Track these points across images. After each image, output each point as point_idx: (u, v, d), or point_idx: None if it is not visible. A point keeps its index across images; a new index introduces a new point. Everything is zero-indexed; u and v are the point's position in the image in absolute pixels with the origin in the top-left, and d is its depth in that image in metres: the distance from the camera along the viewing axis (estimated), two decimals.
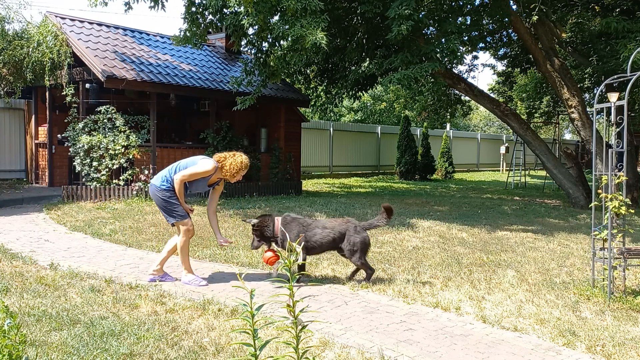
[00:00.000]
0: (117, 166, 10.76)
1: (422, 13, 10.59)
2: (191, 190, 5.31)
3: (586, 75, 16.93)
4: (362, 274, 5.46)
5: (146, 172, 11.15)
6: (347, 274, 5.66)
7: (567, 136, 46.03)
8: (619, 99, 5.10)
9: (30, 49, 10.97)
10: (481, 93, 13.38)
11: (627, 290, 5.02)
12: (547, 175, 15.14)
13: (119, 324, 3.95)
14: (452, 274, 5.75)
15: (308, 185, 16.86)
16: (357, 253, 5.26)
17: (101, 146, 10.64)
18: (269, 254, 5.12)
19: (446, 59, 11.68)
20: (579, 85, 14.36)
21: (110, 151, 10.62)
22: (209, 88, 12.33)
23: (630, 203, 4.95)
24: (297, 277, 5.48)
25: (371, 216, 9.71)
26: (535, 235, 8.29)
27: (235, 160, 5.29)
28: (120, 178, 10.87)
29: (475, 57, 21.33)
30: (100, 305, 4.43)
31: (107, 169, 10.65)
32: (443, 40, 10.86)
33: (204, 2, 10.50)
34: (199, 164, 5.18)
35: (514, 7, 12.43)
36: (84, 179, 10.83)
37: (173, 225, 5.26)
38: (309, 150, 19.67)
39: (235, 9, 9.49)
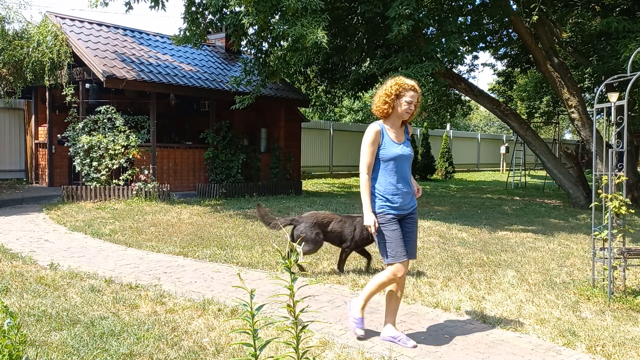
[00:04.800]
0: (117, 166, 10.76)
1: (422, 13, 10.59)
2: (401, 172, 3.79)
3: (586, 75, 16.93)
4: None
5: (146, 172, 11.16)
6: (347, 274, 5.66)
7: (567, 136, 46.03)
8: (619, 99, 5.10)
9: (30, 49, 10.96)
10: (481, 93, 13.37)
11: (627, 290, 5.02)
12: (547, 175, 15.14)
13: (119, 324, 3.95)
14: (452, 274, 5.74)
15: (308, 185, 16.85)
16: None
17: (101, 146, 10.64)
18: None
19: (446, 59, 11.68)
20: (579, 85, 14.36)
21: (110, 151, 10.63)
22: (209, 88, 12.33)
23: (630, 203, 4.95)
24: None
25: None
26: (536, 235, 8.29)
27: (385, 86, 3.84)
28: (120, 178, 10.87)
29: (476, 57, 21.35)
30: (100, 305, 4.43)
31: (107, 169, 10.65)
32: (443, 40, 10.86)
33: (204, 1, 10.50)
34: (364, 137, 3.81)
35: (514, 7, 12.43)
36: (83, 179, 10.83)
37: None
38: (309, 150, 19.67)
39: (235, 8, 9.49)
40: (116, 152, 10.64)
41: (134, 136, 10.89)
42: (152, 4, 10.71)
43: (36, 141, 13.39)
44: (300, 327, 2.27)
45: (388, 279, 3.80)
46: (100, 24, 12.72)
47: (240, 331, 2.32)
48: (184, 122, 14.90)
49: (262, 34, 10.64)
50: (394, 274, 3.76)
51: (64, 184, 11.81)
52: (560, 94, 12.56)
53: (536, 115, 25.10)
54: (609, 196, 4.88)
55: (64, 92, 11.15)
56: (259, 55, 11.77)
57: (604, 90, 10.93)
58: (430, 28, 12.23)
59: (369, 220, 3.70)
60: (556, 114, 24.26)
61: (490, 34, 15.32)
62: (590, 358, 3.66)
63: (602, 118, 23.59)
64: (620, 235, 4.95)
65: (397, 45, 11.66)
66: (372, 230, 3.69)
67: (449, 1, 12.13)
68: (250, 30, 11.04)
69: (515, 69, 18.25)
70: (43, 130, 13.20)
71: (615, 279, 4.99)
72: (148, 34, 13.86)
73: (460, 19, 12.41)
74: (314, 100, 15.81)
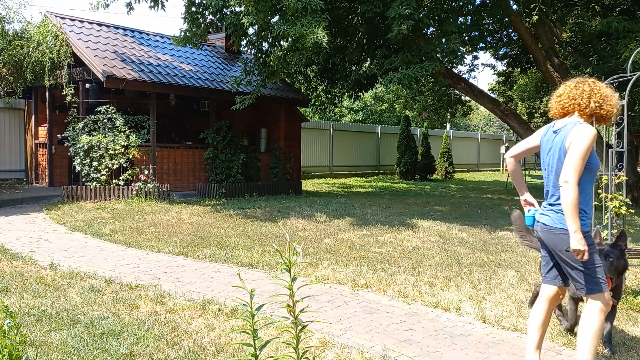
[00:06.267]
0: (117, 166, 10.76)
1: (423, 13, 10.59)
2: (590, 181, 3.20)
3: (586, 75, 16.89)
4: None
5: (146, 172, 11.16)
6: (347, 274, 5.65)
7: None
8: (619, 99, 5.09)
9: (30, 49, 10.96)
10: (481, 93, 13.37)
11: (627, 290, 5.02)
12: None
13: (119, 324, 3.95)
14: (452, 274, 5.74)
15: (308, 185, 16.86)
16: None
17: (101, 146, 10.64)
18: None
19: (446, 59, 11.68)
20: None
21: (110, 151, 10.63)
22: (209, 88, 12.33)
23: (630, 203, 4.95)
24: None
25: (371, 216, 9.71)
26: None
27: (605, 93, 3.20)
28: (120, 178, 10.88)
29: (476, 57, 21.34)
30: (100, 305, 4.43)
31: (107, 169, 10.65)
32: (443, 40, 10.87)
33: (204, 2, 10.51)
34: (580, 137, 3.06)
35: (514, 7, 12.43)
36: (83, 179, 10.83)
37: (584, 298, 3.22)
38: (309, 150, 19.67)
39: (235, 8, 9.50)
40: (116, 152, 10.64)
41: (134, 136, 10.89)
42: (152, 4, 10.70)
43: (36, 141, 13.39)
44: (300, 327, 2.27)
45: (600, 317, 3.10)
46: (100, 24, 12.72)
47: (240, 331, 2.32)
48: (184, 122, 14.89)
49: (262, 34, 10.64)
50: (606, 305, 3.13)
51: (64, 184, 11.80)
52: None
53: (536, 115, 25.06)
54: (609, 196, 4.88)
55: (64, 92, 11.14)
56: (259, 55, 11.77)
57: None
58: (430, 28, 12.23)
59: (579, 243, 2.97)
60: None
61: (490, 34, 15.31)
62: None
63: None
64: None
65: (397, 45, 11.66)
66: (585, 257, 3.00)
67: (449, 1, 12.12)
68: (250, 30, 11.04)
69: (515, 69, 18.24)
70: (43, 130, 13.20)
71: None
72: (148, 34, 13.86)
73: (460, 19, 12.41)
74: (314, 100, 15.81)
